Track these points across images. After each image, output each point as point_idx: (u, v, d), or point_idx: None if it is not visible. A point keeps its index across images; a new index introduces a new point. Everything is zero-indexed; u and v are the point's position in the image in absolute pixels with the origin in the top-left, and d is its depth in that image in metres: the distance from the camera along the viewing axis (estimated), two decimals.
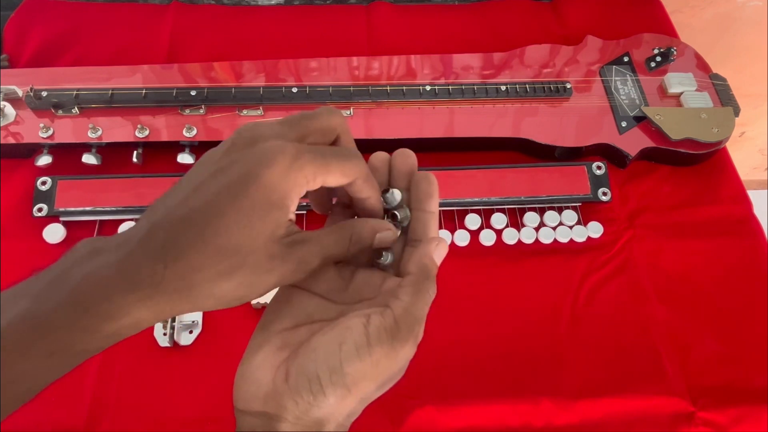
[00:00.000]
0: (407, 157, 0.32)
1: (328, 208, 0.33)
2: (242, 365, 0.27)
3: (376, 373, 0.25)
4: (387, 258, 0.30)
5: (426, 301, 0.27)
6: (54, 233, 0.60)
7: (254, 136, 0.27)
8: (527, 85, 0.69)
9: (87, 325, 0.25)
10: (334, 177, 0.28)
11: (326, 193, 0.32)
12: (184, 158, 0.64)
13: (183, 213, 0.25)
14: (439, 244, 0.29)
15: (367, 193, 0.30)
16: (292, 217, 0.27)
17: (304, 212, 0.62)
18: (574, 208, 0.65)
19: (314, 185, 0.27)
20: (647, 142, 0.67)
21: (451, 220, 0.64)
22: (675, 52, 0.73)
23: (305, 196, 0.29)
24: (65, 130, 0.64)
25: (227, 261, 0.25)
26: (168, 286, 0.25)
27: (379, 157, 0.32)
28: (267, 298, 0.61)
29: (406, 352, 0.26)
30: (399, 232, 0.31)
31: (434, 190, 0.31)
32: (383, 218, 0.31)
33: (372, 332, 0.25)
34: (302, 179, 0.26)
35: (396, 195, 0.31)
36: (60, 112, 0.65)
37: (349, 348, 0.25)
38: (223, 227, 0.25)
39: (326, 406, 0.25)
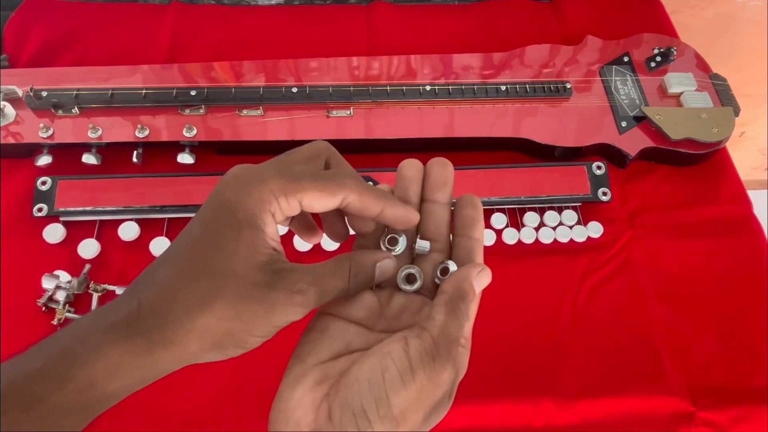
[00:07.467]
0: (443, 167, 0.30)
1: (341, 236, 0.31)
2: (278, 401, 0.26)
3: (421, 400, 0.24)
4: (416, 282, 0.30)
5: (460, 323, 0.26)
6: (54, 233, 0.60)
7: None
8: (527, 85, 0.69)
9: (59, 371, 0.23)
10: (311, 195, 0.26)
11: (335, 218, 0.31)
12: (184, 158, 0.64)
13: (162, 254, 0.26)
14: (482, 271, 0.28)
15: (371, 208, 0.28)
16: (275, 245, 0.26)
17: None
18: (574, 208, 0.65)
19: (290, 205, 0.26)
20: (647, 142, 0.67)
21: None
22: (675, 52, 0.73)
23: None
24: (65, 130, 0.64)
25: (203, 285, 0.24)
26: (143, 324, 0.24)
27: (413, 165, 0.30)
28: None
29: (448, 376, 0.25)
30: (395, 260, 0.30)
31: (480, 215, 0.30)
32: (385, 243, 0.30)
33: (413, 356, 0.24)
34: (267, 194, 0.25)
35: (425, 246, 0.30)
36: (60, 112, 0.65)
37: (393, 376, 0.24)
38: (196, 253, 0.25)
39: None
